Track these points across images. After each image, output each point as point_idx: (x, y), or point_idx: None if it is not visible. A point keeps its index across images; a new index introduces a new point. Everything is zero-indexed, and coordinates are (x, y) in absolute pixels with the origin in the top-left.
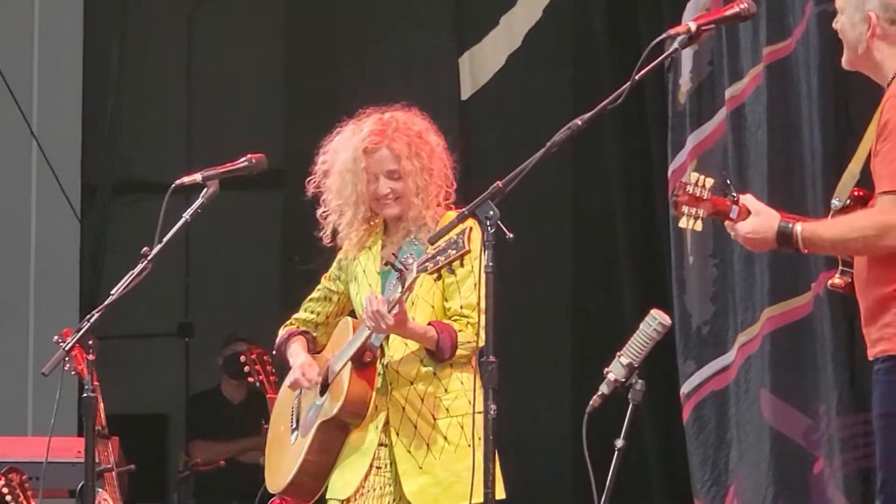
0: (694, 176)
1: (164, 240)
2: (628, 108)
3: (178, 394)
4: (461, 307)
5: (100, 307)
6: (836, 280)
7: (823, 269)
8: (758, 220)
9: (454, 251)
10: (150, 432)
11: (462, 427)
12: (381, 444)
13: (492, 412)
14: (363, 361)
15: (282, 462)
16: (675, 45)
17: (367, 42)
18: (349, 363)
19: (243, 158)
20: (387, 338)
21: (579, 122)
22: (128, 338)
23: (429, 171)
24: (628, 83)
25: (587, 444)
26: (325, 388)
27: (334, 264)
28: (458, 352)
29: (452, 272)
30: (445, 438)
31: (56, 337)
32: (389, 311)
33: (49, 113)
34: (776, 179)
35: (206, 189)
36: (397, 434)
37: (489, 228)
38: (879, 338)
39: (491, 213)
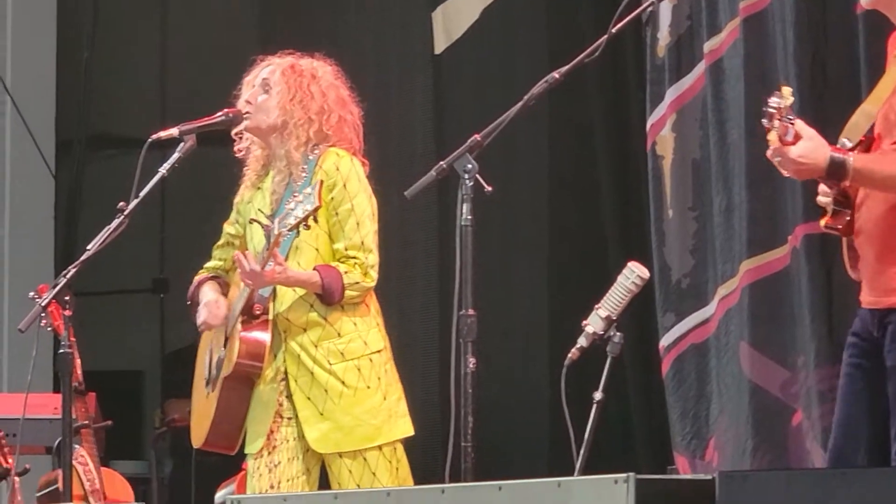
0: (787, 90)
1: (141, 195)
2: (605, 61)
3: (153, 350)
4: (346, 248)
5: (76, 263)
6: (829, 221)
7: (801, 222)
8: (810, 145)
9: (308, 206)
10: (125, 389)
11: (359, 370)
12: (286, 395)
13: (471, 366)
14: (253, 314)
15: (200, 416)
16: None
17: None
18: (240, 317)
19: (220, 113)
20: (274, 287)
21: (556, 76)
22: (103, 294)
23: (302, 103)
24: (605, 36)
25: (566, 397)
26: (227, 340)
27: (233, 208)
28: (347, 293)
29: (308, 227)
30: (343, 383)
31: (32, 293)
32: (262, 267)
33: (23, 68)
34: (753, 131)
35: (182, 143)
36: (296, 382)
37: (468, 181)
38: None
39: (469, 166)
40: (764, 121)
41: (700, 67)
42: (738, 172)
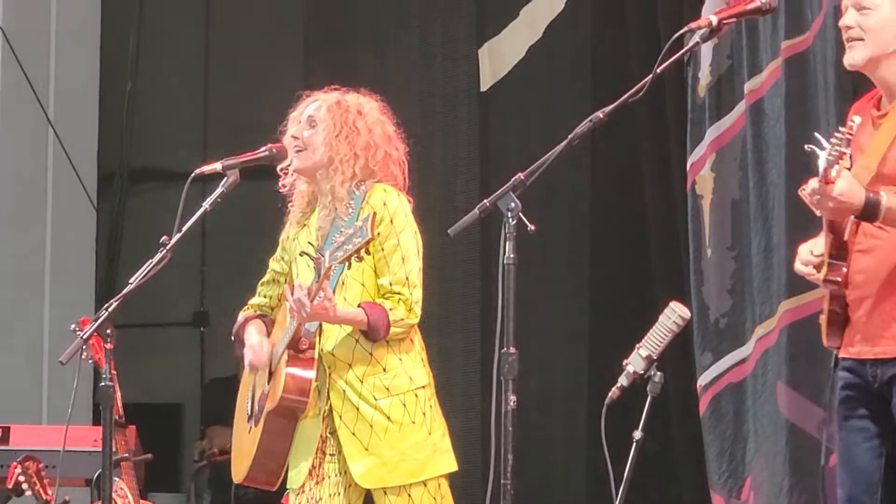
0: (858, 118)
1: (184, 229)
2: (648, 100)
3: (193, 383)
4: (391, 284)
5: (118, 296)
6: (828, 274)
7: None
8: (849, 183)
9: (359, 239)
10: (165, 421)
11: (405, 405)
12: (330, 431)
13: (511, 404)
14: (299, 349)
15: (242, 451)
16: (696, 38)
17: (386, 31)
18: (286, 352)
19: (264, 148)
20: (320, 323)
21: (601, 115)
22: (144, 326)
23: (348, 139)
24: (649, 76)
25: (605, 435)
26: (272, 374)
27: (279, 245)
28: (392, 330)
29: (360, 259)
30: (388, 418)
31: (73, 325)
32: (312, 300)
33: (66, 101)
34: (793, 173)
35: (225, 178)
36: (340, 418)
37: (511, 220)
38: None
39: (512, 204)
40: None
41: (740, 107)
42: (778, 213)
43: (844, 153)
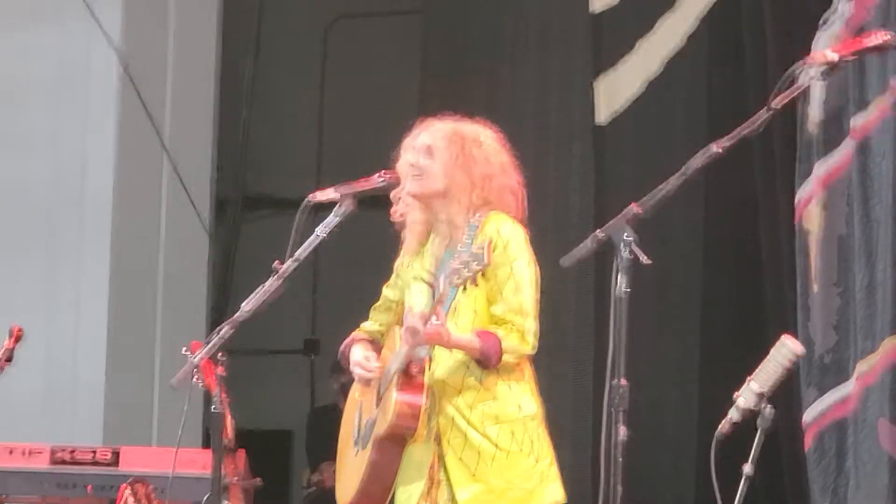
0: None
1: (298, 256)
2: (759, 136)
3: (303, 411)
4: (503, 312)
5: (231, 321)
6: None
7: None
8: None
9: (476, 264)
10: (275, 448)
11: (513, 433)
12: (438, 457)
13: (622, 435)
14: (410, 374)
15: (347, 475)
16: (813, 74)
17: (501, 63)
18: (397, 376)
19: (378, 176)
20: (433, 347)
21: (716, 148)
22: (255, 353)
23: (465, 168)
24: (766, 110)
25: (715, 469)
26: (380, 399)
27: (394, 272)
28: (505, 358)
29: (476, 284)
30: (496, 446)
31: (184, 349)
32: (425, 325)
33: (181, 126)
34: None
35: (339, 205)
36: (449, 444)
37: (624, 252)
38: None
39: (626, 236)
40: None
41: (848, 143)
42: (884, 250)
43: None
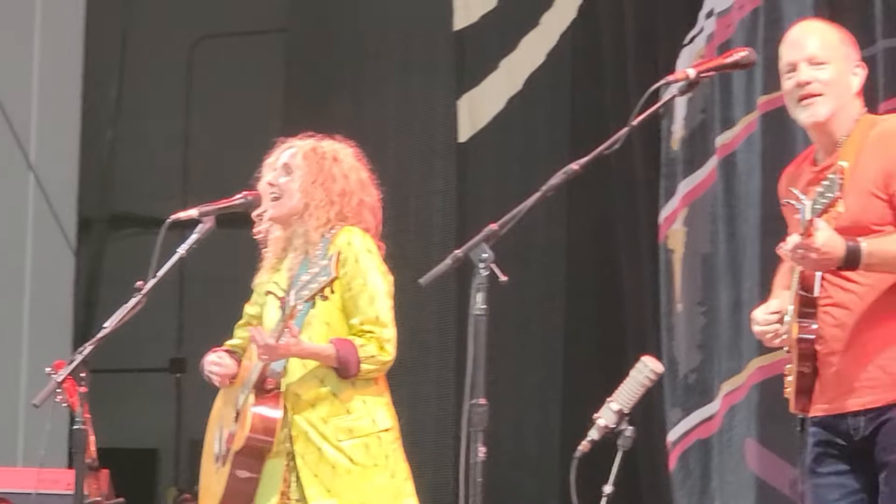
0: (844, 163)
1: (159, 274)
2: (622, 154)
3: (168, 429)
4: (361, 323)
5: (93, 340)
6: (801, 332)
7: None
8: (829, 234)
9: (324, 277)
10: (140, 467)
11: (367, 447)
12: (292, 472)
13: (480, 455)
14: (265, 388)
15: (210, 492)
16: (673, 91)
17: (364, 82)
18: (253, 391)
19: (239, 196)
20: (286, 362)
21: (575, 167)
22: (121, 371)
23: (323, 185)
24: (625, 129)
25: (576, 489)
26: (238, 414)
27: (254, 290)
28: (363, 366)
29: (325, 298)
30: (351, 460)
31: (48, 368)
32: (277, 340)
33: (47, 146)
34: (768, 229)
35: (201, 225)
36: (303, 459)
37: (483, 271)
38: None
39: (484, 255)
40: (809, 202)
41: (712, 161)
42: (750, 269)
43: (839, 197)
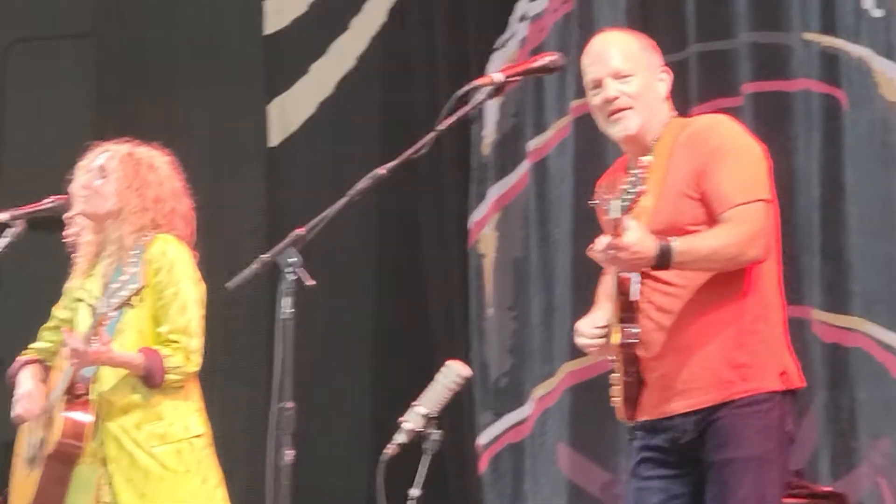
0: (647, 158)
1: None
2: (431, 158)
3: None
4: (169, 332)
5: None
6: (626, 339)
7: None
8: (640, 234)
9: (133, 286)
10: None
11: (179, 453)
12: (105, 479)
13: (288, 458)
14: (76, 394)
15: (20, 496)
16: (481, 96)
17: (175, 86)
18: (63, 396)
19: (47, 200)
20: (97, 368)
21: (383, 172)
22: None
23: (138, 191)
24: (431, 133)
25: (385, 492)
26: (50, 419)
27: (64, 294)
28: (168, 377)
29: (132, 306)
30: (163, 466)
31: None
32: (87, 345)
33: None
34: (580, 233)
35: (12, 228)
36: (116, 464)
37: (290, 275)
38: (737, 378)
39: (292, 259)
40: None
41: (524, 165)
42: (563, 273)
43: (643, 192)
